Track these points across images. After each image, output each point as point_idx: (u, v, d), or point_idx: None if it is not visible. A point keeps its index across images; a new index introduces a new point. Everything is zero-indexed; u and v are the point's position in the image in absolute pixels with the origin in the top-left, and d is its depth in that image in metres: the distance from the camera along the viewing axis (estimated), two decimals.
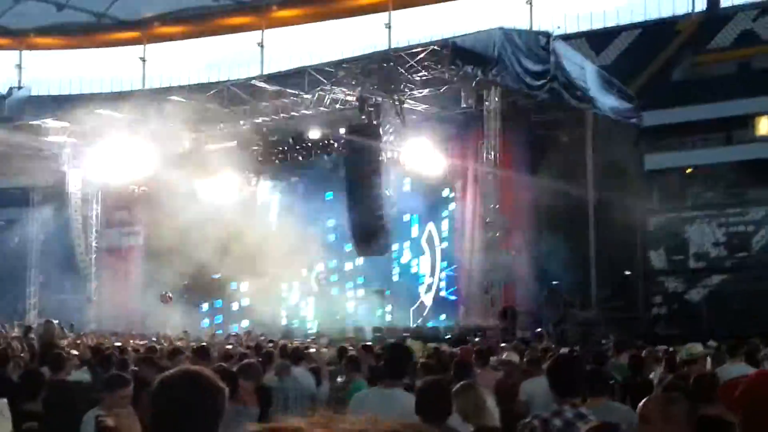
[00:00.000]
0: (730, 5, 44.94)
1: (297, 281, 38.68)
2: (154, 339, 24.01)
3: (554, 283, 31.63)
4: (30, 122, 39.94)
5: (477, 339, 24.27)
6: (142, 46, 60.62)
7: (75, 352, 15.73)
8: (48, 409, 8.26)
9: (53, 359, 10.57)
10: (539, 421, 6.19)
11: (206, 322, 40.37)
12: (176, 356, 12.73)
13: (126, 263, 38.02)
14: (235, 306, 40.93)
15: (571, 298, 31.32)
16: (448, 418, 6.23)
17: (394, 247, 34.84)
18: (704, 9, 45.49)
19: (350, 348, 16.48)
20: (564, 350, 14.99)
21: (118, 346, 18.50)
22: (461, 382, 7.12)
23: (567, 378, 6.52)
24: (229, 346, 18.87)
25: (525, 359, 13.56)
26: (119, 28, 60.38)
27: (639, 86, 38.58)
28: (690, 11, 45.91)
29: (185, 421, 3.31)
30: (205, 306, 41.30)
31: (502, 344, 18.08)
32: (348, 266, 38.52)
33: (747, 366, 11.37)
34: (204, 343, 16.92)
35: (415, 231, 37.87)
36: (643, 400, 5.51)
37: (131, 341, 24.06)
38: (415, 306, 35.35)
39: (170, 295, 35.16)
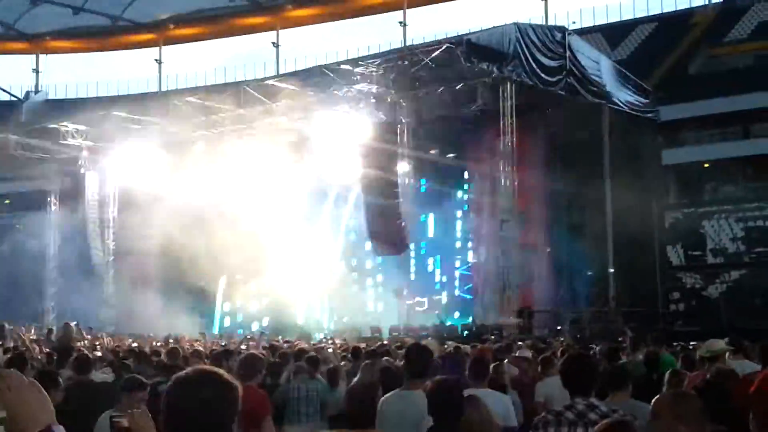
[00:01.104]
0: None
1: (315, 280, 38.67)
2: (171, 341, 24.00)
3: None
4: (47, 126, 40.05)
5: (493, 337, 24.24)
6: (157, 48, 60.79)
7: (98, 353, 15.79)
8: (66, 409, 8.24)
9: (79, 361, 10.57)
10: (552, 415, 6.19)
11: (226, 322, 40.52)
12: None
13: (143, 265, 37.99)
14: (254, 306, 40.97)
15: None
16: (461, 417, 6.20)
17: (411, 246, 34.69)
18: (720, 1, 45.22)
19: (365, 348, 16.44)
20: (577, 348, 14.92)
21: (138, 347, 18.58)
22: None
23: (578, 376, 6.48)
24: (243, 347, 18.88)
25: (539, 358, 13.54)
26: (135, 30, 60.60)
27: (656, 80, 38.41)
28: (706, 3, 45.68)
29: (201, 420, 3.32)
30: (226, 306, 41.42)
31: (519, 342, 17.99)
32: (367, 265, 38.51)
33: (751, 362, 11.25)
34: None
35: (431, 230, 37.80)
36: (656, 397, 5.45)
37: (152, 343, 24.18)
38: (433, 304, 35.23)
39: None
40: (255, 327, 37.74)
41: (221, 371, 3.49)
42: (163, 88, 57.73)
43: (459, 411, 6.22)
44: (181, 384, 3.40)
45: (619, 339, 20.03)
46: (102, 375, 11.68)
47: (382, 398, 7.91)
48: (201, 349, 17.82)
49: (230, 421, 3.37)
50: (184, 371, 3.50)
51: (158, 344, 22.10)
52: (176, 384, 3.40)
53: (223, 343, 23.56)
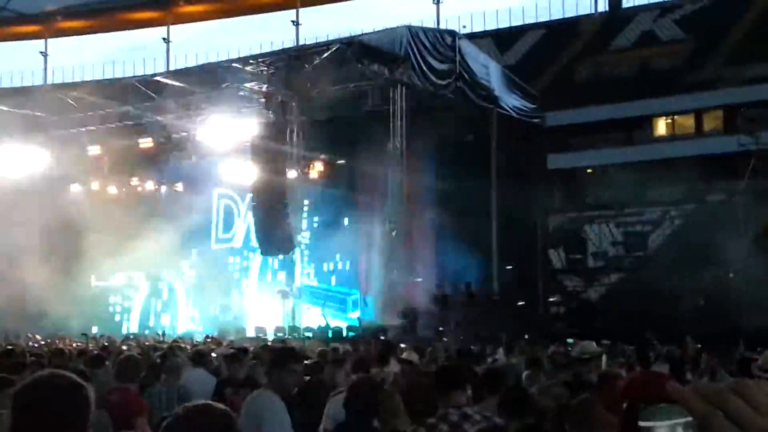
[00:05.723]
0: (632, 6, 45.77)
1: (199, 281, 38.26)
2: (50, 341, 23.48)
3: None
4: None
5: (382, 338, 24.39)
6: (43, 40, 59.30)
7: None
8: None
9: None
10: (425, 428, 6.15)
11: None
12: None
13: (21, 264, 36.82)
14: (135, 304, 40.42)
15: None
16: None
17: (299, 247, 34.48)
18: (606, 10, 46.26)
19: (252, 349, 16.32)
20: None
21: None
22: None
23: (451, 378, 6.59)
24: (125, 347, 18.57)
25: (425, 359, 13.67)
26: (19, 21, 58.91)
27: (542, 86, 39.05)
28: (593, 12, 46.65)
29: (52, 420, 3.39)
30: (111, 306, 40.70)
31: (402, 344, 18.08)
32: (252, 265, 38.23)
33: None
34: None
35: (319, 232, 37.55)
36: None
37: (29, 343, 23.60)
38: (318, 305, 35.07)
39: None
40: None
41: (68, 373, 3.62)
42: (49, 82, 56.35)
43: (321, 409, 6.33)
44: (27, 388, 3.50)
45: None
46: None
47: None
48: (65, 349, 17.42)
49: (79, 421, 3.45)
50: (32, 376, 3.65)
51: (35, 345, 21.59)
52: (23, 389, 3.51)
53: (105, 344, 23.14)
